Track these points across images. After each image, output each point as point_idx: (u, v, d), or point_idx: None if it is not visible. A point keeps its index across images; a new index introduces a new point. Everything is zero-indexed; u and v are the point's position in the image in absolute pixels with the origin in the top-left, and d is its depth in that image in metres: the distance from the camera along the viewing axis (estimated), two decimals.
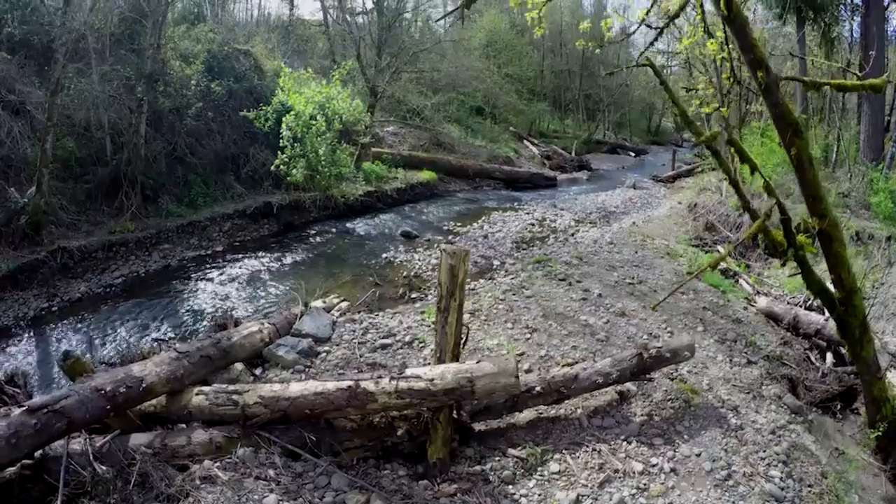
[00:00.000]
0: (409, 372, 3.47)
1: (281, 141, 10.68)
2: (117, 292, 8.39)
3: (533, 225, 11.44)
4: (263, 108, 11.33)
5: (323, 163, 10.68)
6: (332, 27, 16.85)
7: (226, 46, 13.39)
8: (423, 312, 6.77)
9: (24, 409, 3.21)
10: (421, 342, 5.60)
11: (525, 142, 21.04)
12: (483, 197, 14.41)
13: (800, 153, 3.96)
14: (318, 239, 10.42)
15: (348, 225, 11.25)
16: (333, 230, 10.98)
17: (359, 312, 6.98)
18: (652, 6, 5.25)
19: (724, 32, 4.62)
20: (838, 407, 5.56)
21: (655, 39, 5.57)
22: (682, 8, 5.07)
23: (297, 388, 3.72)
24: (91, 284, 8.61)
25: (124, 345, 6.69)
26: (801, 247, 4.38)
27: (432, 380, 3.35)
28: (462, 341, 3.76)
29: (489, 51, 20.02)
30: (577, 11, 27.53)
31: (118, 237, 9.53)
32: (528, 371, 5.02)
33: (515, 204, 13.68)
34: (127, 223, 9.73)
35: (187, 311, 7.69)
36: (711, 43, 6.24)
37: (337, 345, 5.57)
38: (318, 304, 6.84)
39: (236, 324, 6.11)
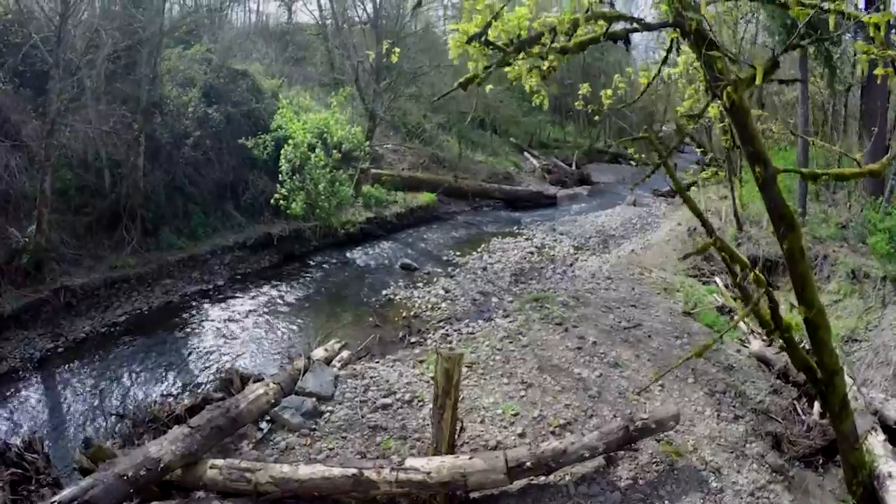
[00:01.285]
0: (408, 464, 3.87)
1: (280, 174, 11.01)
2: (122, 331, 8.79)
3: (532, 253, 11.81)
4: (262, 136, 11.65)
5: (323, 197, 11.03)
6: (331, 38, 17.09)
7: (223, 70, 13.68)
8: (421, 361, 7.17)
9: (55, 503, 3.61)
10: (420, 400, 6.00)
11: (525, 153, 21.34)
12: (483, 219, 14.77)
13: (792, 247, 4.27)
14: (318, 272, 10.81)
15: (348, 255, 11.63)
16: (333, 260, 11.36)
17: (360, 359, 7.37)
18: (659, 70, 5.49)
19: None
20: (821, 461, 5.96)
21: (650, 83, 5.80)
22: (669, 52, 5.23)
23: (305, 471, 4.12)
24: (95, 323, 9.00)
25: (132, 393, 7.09)
26: (788, 328, 4.75)
27: (429, 473, 3.75)
28: (458, 432, 4.15)
29: None
30: None
31: (120, 273, 9.91)
32: (522, 435, 5.42)
33: (515, 227, 14.04)
34: (128, 258, 10.10)
35: (192, 353, 8.09)
36: (714, 108, 6.52)
37: (340, 403, 5.97)
38: (319, 353, 7.23)
39: (242, 379, 6.51)
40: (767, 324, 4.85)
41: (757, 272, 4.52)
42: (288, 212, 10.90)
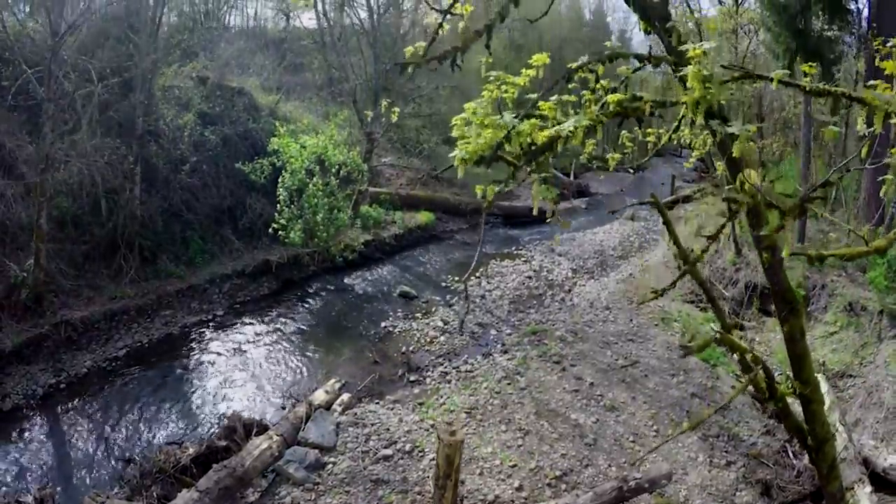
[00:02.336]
0: None
1: (278, 204, 11.18)
2: (123, 366, 9.02)
3: (530, 278, 12.07)
4: (259, 161, 11.82)
5: (321, 227, 11.23)
6: (328, 52, 17.18)
7: (219, 89, 13.80)
8: (421, 404, 7.45)
9: None
10: (420, 450, 6.28)
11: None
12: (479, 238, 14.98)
13: (792, 329, 4.50)
14: (317, 300, 11.05)
15: (346, 280, 11.86)
16: (332, 287, 11.60)
17: (360, 401, 7.63)
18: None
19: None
20: None
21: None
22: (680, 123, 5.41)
23: None
24: (96, 357, 9.22)
25: (137, 435, 7.34)
26: (782, 398, 5.03)
27: None
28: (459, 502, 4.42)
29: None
30: (578, 24, 27.76)
31: (119, 304, 10.13)
32: (519, 489, 5.71)
33: (514, 248, 14.28)
34: (127, 289, 10.32)
35: (195, 391, 8.34)
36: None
37: (342, 454, 6.24)
38: (320, 395, 7.49)
39: (245, 427, 6.76)
40: (762, 391, 5.12)
41: (755, 355, 4.77)
42: (286, 241, 11.10)
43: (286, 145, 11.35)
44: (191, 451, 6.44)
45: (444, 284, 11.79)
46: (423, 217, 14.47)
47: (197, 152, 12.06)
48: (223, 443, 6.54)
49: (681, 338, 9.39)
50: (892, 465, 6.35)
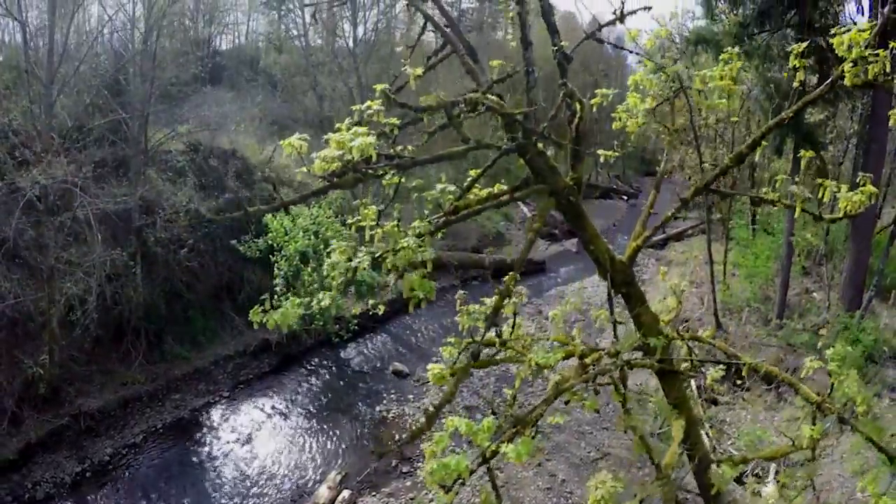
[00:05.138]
0: None
1: (275, 287, 12.47)
2: (141, 451, 10.55)
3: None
4: (253, 241, 13.11)
5: (317, 312, 12.59)
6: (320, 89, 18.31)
7: (211, 153, 15.01)
8: (412, 499, 8.98)
9: None
10: None
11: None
12: (471, 296, 16.37)
13: None
14: (315, 378, 12.54)
15: (342, 354, 13.34)
16: (329, 362, 13.08)
17: (360, 493, 9.16)
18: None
19: None
20: None
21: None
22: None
23: None
24: (115, 443, 10.71)
25: None
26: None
27: None
28: None
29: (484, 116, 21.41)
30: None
31: (131, 391, 11.58)
32: None
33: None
34: (137, 375, 11.74)
35: (207, 481, 9.86)
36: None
37: None
38: (323, 491, 9.05)
39: None
40: None
41: None
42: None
43: (278, 230, 12.61)
44: None
45: (435, 358, 13.22)
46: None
47: (193, 230, 13.32)
48: None
49: (653, 421, 10.91)
50: None
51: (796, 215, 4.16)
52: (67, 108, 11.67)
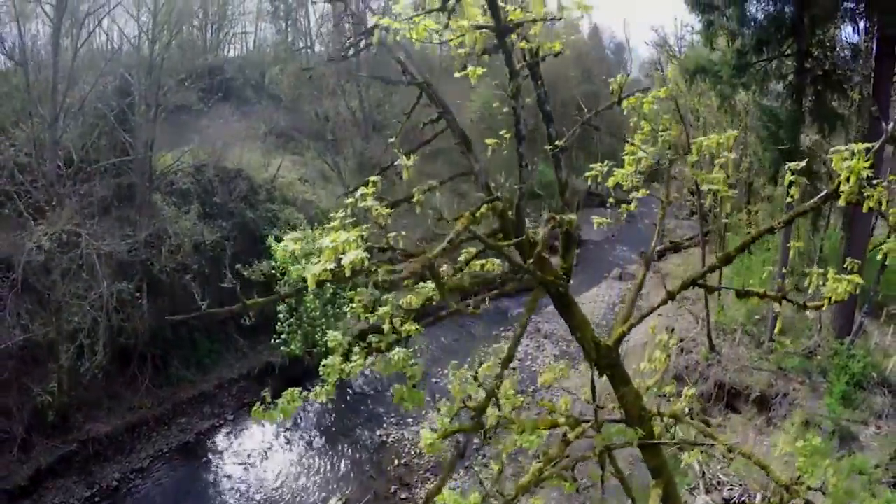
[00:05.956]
0: None
1: (278, 324, 12.71)
2: (149, 475, 10.98)
3: (515, 369, 13.91)
4: (257, 266, 13.43)
5: (321, 337, 12.94)
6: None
7: (216, 173, 15.29)
8: None
9: None
10: None
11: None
12: (468, 318, 16.75)
13: None
14: (316, 402, 12.86)
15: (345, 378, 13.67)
16: None
17: None
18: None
19: None
20: None
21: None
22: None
23: None
24: (123, 468, 11.13)
25: None
26: None
27: None
28: None
29: (481, 125, 21.62)
30: (570, 63, 28.95)
31: (138, 416, 11.97)
32: None
33: (502, 328, 16.04)
34: (143, 400, 12.12)
35: None
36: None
37: None
38: None
39: None
40: None
41: None
42: (287, 352, 12.81)
43: (283, 256, 12.91)
44: None
45: (434, 379, 13.63)
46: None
47: (198, 253, 13.64)
48: None
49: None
50: None
51: (778, 309, 4.47)
52: (73, 139, 11.95)
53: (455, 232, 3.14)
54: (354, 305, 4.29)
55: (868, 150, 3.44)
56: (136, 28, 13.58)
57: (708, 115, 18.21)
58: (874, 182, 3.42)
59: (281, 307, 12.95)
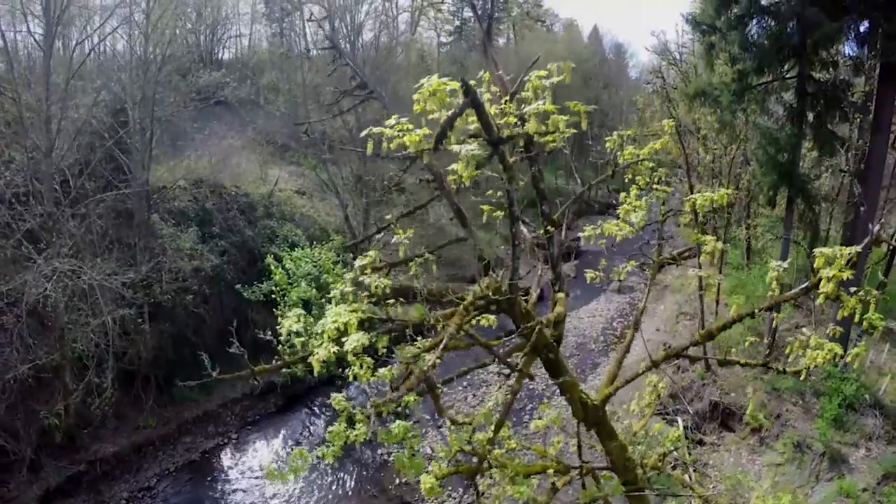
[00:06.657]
0: None
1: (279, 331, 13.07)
2: (156, 494, 11.31)
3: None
4: (256, 287, 13.75)
5: None
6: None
7: (213, 190, 15.55)
8: None
9: None
10: None
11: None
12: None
13: None
14: (319, 420, 13.24)
15: (344, 393, 14.00)
16: (330, 402, 13.74)
17: None
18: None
19: None
20: None
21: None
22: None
23: None
24: (131, 487, 11.47)
25: None
26: None
27: None
28: None
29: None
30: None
31: (144, 435, 12.30)
32: None
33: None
34: (149, 419, 12.45)
35: None
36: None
37: None
38: None
39: None
40: None
41: None
42: (291, 375, 13.15)
43: (282, 277, 13.24)
44: None
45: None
46: (417, 312, 16.45)
47: (198, 274, 13.86)
48: None
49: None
50: None
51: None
52: (69, 165, 12.10)
53: (448, 335, 3.42)
54: (356, 370, 4.59)
55: (849, 261, 3.72)
56: (129, 49, 13.73)
57: (707, 129, 18.41)
58: (852, 290, 3.70)
59: (283, 328, 13.23)
